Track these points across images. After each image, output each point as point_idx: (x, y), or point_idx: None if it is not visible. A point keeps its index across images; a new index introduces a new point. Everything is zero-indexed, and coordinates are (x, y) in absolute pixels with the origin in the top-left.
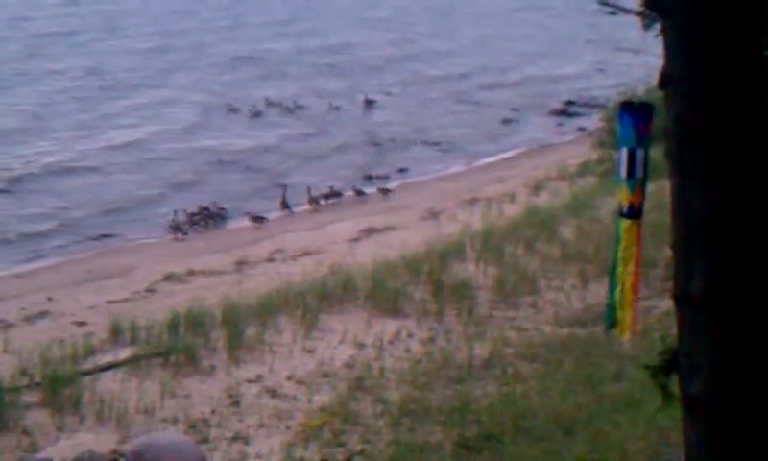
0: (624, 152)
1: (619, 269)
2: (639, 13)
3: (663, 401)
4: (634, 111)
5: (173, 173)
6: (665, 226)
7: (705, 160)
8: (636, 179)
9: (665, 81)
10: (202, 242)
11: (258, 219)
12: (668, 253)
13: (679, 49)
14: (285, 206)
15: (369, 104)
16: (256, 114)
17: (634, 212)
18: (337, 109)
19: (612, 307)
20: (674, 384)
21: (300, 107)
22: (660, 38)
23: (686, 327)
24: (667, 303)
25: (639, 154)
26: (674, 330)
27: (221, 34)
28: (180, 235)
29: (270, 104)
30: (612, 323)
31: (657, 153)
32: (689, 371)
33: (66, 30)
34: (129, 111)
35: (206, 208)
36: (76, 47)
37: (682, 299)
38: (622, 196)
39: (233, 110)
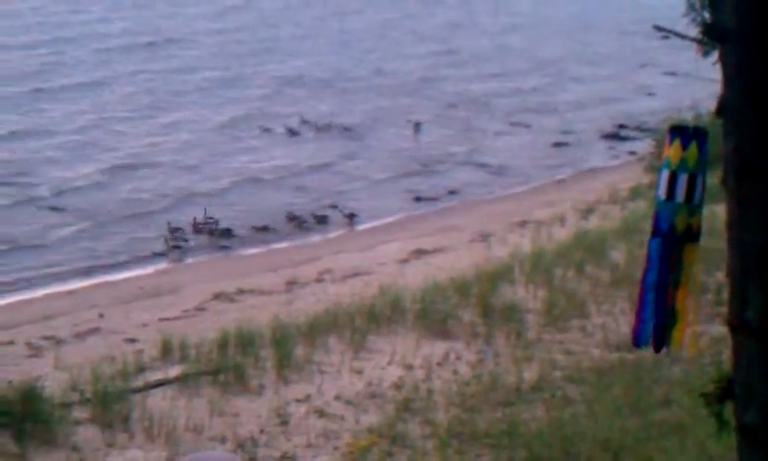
0: (685, 176)
1: (680, 291)
2: (697, 40)
3: (718, 430)
4: (695, 136)
5: (217, 192)
6: (716, 252)
7: (763, 191)
8: (696, 203)
9: (723, 109)
10: (251, 261)
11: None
12: (719, 278)
13: (737, 77)
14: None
15: (417, 126)
16: (294, 133)
17: (692, 235)
18: (383, 128)
19: (659, 327)
20: (728, 412)
21: (347, 128)
22: (717, 65)
23: (742, 354)
24: (718, 329)
25: (700, 179)
26: (724, 356)
27: (261, 50)
28: (177, 253)
29: (313, 124)
30: (661, 342)
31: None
32: (745, 399)
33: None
34: (165, 128)
35: (211, 220)
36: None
37: (737, 326)
38: (679, 219)
39: (266, 130)
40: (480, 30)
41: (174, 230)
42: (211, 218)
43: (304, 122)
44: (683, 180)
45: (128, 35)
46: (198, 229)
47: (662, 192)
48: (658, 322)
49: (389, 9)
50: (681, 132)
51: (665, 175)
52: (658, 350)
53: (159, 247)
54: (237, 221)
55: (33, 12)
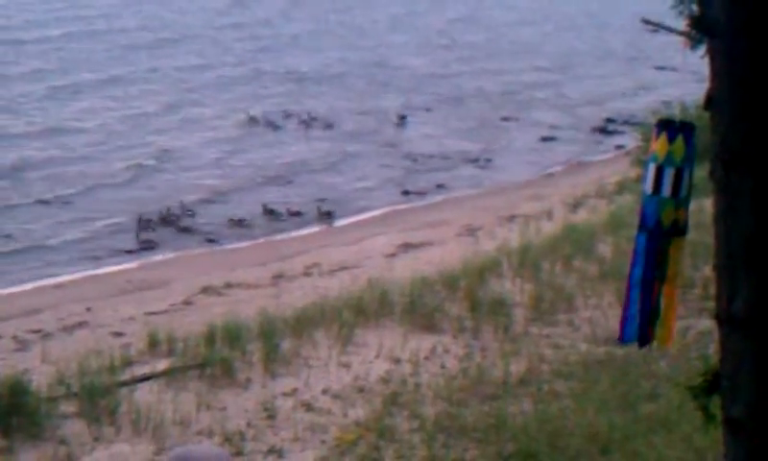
0: (671, 170)
1: (665, 286)
2: (685, 34)
3: (705, 423)
4: (682, 130)
5: (201, 185)
6: (703, 246)
7: (750, 183)
8: (682, 197)
9: (710, 102)
10: (239, 255)
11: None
12: (706, 273)
13: (725, 70)
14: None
15: (402, 119)
16: (279, 127)
17: (678, 229)
18: (372, 123)
19: (645, 323)
20: (715, 405)
21: (336, 122)
22: (704, 59)
23: (729, 348)
24: (705, 323)
25: (687, 173)
26: (711, 350)
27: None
28: (147, 246)
29: (304, 118)
30: (645, 338)
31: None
32: (731, 392)
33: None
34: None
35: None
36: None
37: (724, 319)
38: (666, 214)
39: (253, 121)
40: (483, 25)
41: (143, 223)
42: (190, 211)
43: (291, 116)
44: (669, 174)
45: (141, 30)
46: (166, 221)
47: (649, 186)
48: (643, 317)
49: (398, 4)
50: (667, 125)
51: (652, 169)
52: (642, 345)
53: (132, 241)
54: (222, 215)
55: (44, 7)
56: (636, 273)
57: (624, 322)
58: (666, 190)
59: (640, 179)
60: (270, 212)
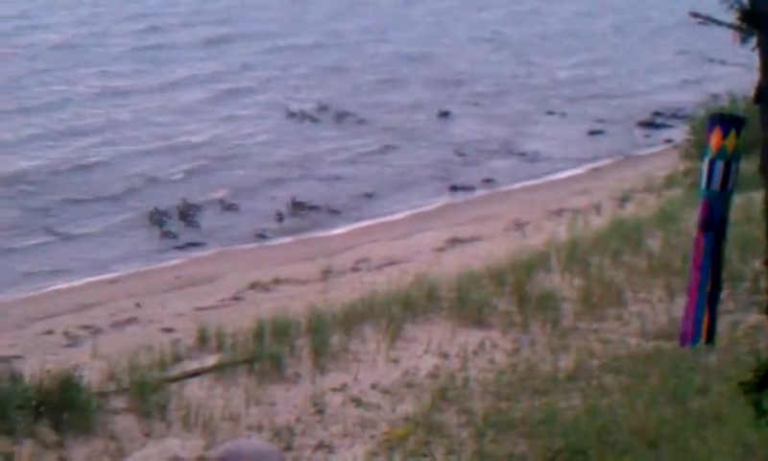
0: (735, 165)
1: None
2: (735, 27)
3: (755, 418)
4: (731, 123)
5: (236, 179)
6: (752, 239)
7: None
8: (729, 191)
9: (761, 95)
10: (287, 250)
11: None
12: (756, 266)
13: None
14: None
15: (444, 115)
16: (315, 120)
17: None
18: (418, 118)
19: (713, 322)
20: (766, 401)
21: (380, 117)
22: (754, 52)
23: None
24: (754, 317)
25: (734, 166)
26: (761, 345)
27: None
28: (163, 233)
29: (351, 114)
30: (712, 334)
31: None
32: None
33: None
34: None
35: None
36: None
37: None
38: (727, 208)
39: (291, 115)
40: (528, 19)
41: (160, 216)
42: (234, 204)
43: (330, 110)
44: (734, 169)
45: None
46: (181, 215)
47: (717, 184)
48: (711, 318)
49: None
50: (734, 121)
51: (720, 166)
52: (710, 342)
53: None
54: (266, 211)
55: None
56: (704, 275)
57: (690, 326)
58: (731, 184)
59: (689, 172)
60: (297, 206)
